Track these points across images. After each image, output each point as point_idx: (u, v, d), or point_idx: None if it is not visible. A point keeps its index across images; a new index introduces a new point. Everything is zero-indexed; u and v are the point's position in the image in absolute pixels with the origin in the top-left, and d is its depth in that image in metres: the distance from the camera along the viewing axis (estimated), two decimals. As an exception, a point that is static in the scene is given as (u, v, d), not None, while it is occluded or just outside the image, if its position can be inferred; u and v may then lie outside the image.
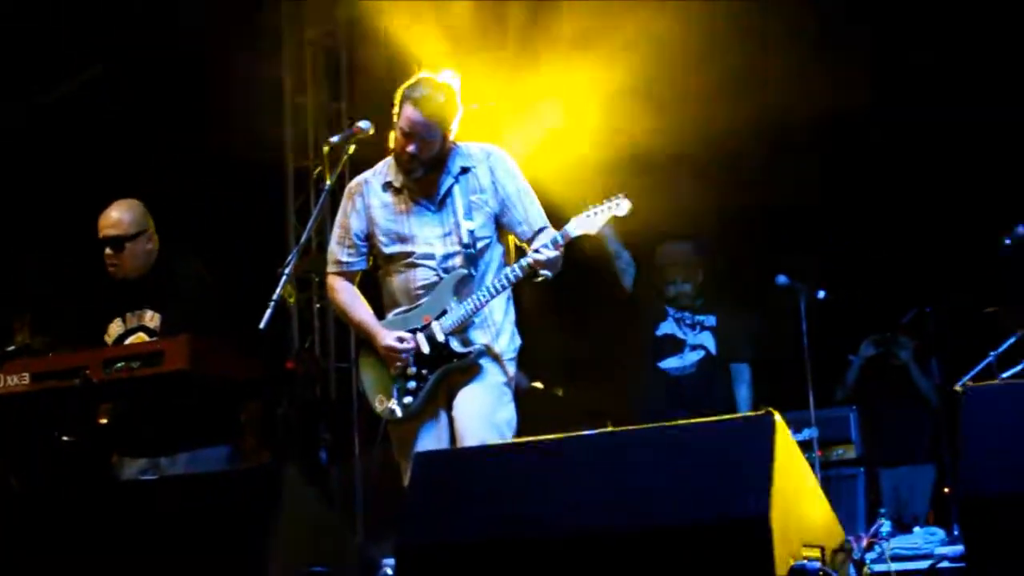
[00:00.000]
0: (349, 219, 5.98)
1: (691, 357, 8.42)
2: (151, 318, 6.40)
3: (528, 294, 6.11)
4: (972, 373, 8.70)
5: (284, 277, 5.38)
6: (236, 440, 6.47)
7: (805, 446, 8.48)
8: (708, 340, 8.45)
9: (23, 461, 6.11)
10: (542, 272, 5.60)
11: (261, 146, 11.51)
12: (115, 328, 6.45)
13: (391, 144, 5.83)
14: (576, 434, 4.28)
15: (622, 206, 5.67)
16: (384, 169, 5.96)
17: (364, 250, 5.99)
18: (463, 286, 5.75)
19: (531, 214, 5.89)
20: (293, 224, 11.41)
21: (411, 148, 5.71)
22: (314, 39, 11.72)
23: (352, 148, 5.82)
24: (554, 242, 5.60)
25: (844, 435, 9.44)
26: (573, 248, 5.75)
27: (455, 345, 5.72)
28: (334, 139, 5.86)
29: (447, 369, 5.74)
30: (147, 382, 5.85)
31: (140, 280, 6.43)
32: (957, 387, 8.74)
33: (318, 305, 11.30)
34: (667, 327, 8.48)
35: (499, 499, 4.15)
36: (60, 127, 11.10)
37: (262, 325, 5.23)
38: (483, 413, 5.70)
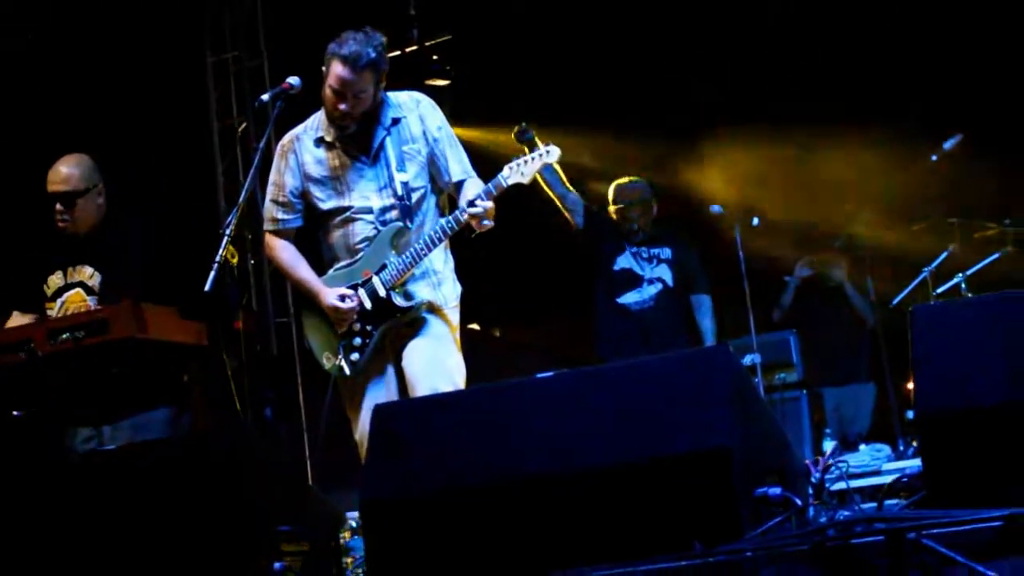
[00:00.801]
0: (283, 176, 5.93)
1: (649, 291, 8.42)
2: (91, 275, 6.35)
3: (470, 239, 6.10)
4: (907, 290, 8.83)
5: (225, 238, 5.32)
6: (178, 401, 6.41)
7: (748, 371, 8.59)
8: (665, 273, 8.46)
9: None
10: (476, 224, 5.59)
11: (184, 105, 11.46)
12: (55, 280, 6.40)
13: (324, 101, 5.78)
14: (533, 377, 4.29)
15: (552, 153, 5.66)
16: (315, 124, 5.90)
17: (299, 207, 5.94)
18: (400, 238, 5.72)
19: (458, 163, 5.87)
20: (222, 183, 11.35)
21: (343, 106, 5.66)
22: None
23: (279, 105, 5.73)
24: (487, 192, 5.58)
25: (785, 358, 9.56)
26: (520, 191, 5.74)
27: (397, 300, 5.71)
28: (264, 97, 5.77)
29: (391, 324, 5.74)
30: (93, 351, 5.81)
31: (85, 236, 6.37)
32: (893, 304, 8.94)
33: (252, 261, 11.27)
34: (624, 261, 8.48)
35: (460, 447, 4.17)
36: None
37: (207, 287, 5.18)
38: (432, 361, 5.71)
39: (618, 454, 3.93)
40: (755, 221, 8.83)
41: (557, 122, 8.35)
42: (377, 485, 4.20)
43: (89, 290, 6.33)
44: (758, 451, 4.00)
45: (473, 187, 5.76)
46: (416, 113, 5.86)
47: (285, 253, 5.98)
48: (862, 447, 8.15)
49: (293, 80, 5.71)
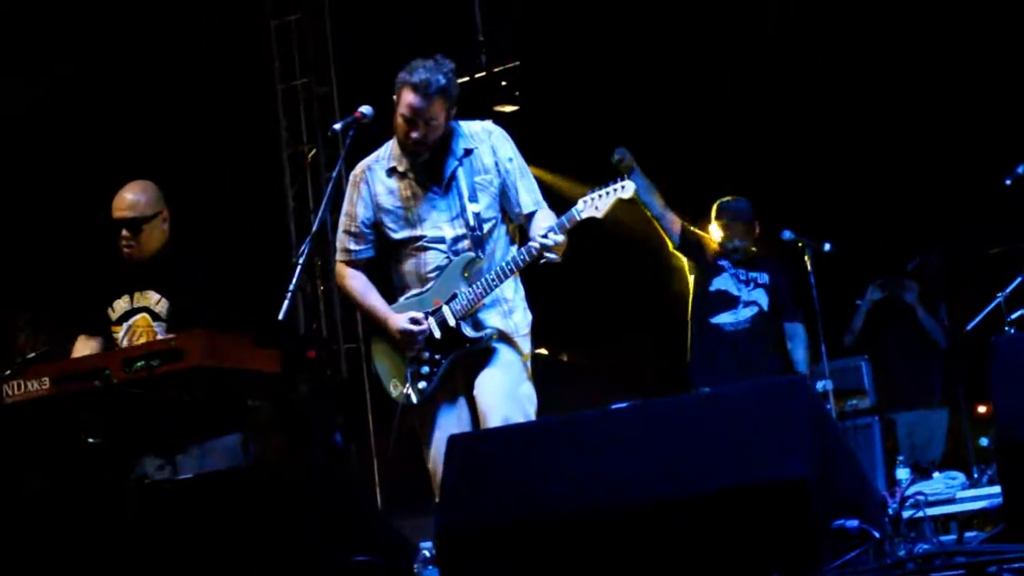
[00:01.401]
0: (355, 207, 5.92)
1: (745, 313, 8.33)
2: (157, 302, 6.37)
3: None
4: (981, 316, 8.74)
5: (299, 267, 5.34)
6: (246, 427, 6.44)
7: (822, 399, 8.53)
8: (761, 297, 8.37)
9: (47, 466, 6.08)
10: (547, 256, 5.57)
11: (255, 132, 11.55)
12: (121, 304, 6.42)
13: (395, 130, 5.78)
14: (609, 408, 4.28)
15: (627, 188, 5.58)
16: (387, 154, 5.88)
17: (372, 238, 5.92)
18: (471, 268, 5.70)
19: (529, 194, 5.84)
20: (292, 209, 11.43)
21: (415, 134, 5.64)
22: (300, 23, 11.70)
23: (351, 134, 5.73)
24: (560, 226, 5.55)
25: (858, 385, 9.50)
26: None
27: (467, 330, 5.69)
28: (336, 126, 5.76)
29: (460, 354, 5.72)
30: (167, 380, 5.84)
31: (150, 261, 6.40)
32: (968, 329, 8.85)
33: (322, 288, 11.33)
34: (721, 282, 8.39)
35: (536, 478, 4.16)
36: (50, 122, 11.08)
37: (280, 316, 5.20)
38: (504, 391, 5.68)
39: (695, 485, 3.91)
40: (827, 246, 8.75)
41: (624, 143, 8.33)
42: (453, 515, 4.20)
43: (155, 315, 6.36)
44: (836, 482, 3.97)
45: (544, 219, 5.74)
46: (488, 144, 5.83)
47: (355, 282, 5.97)
48: (936, 474, 8.06)
49: (365, 109, 5.69)
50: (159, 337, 6.28)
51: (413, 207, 5.80)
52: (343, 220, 5.99)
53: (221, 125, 11.44)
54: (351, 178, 5.99)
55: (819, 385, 8.59)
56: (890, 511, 4.51)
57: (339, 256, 6.03)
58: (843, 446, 4.29)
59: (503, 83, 10.86)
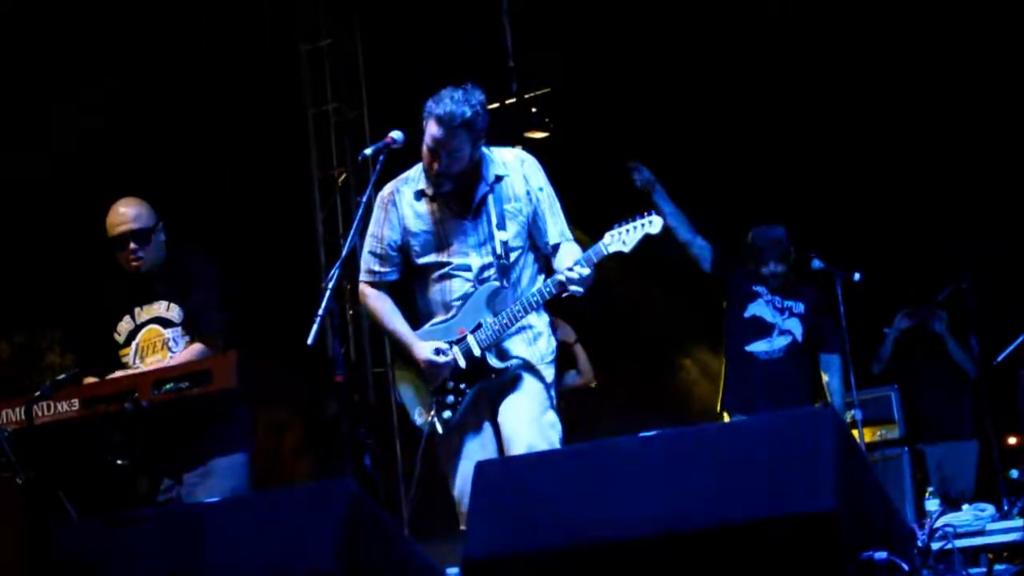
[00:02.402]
0: (383, 228, 5.93)
1: (780, 341, 8.22)
2: (167, 308, 6.40)
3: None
4: (1012, 347, 8.70)
5: (328, 291, 5.34)
6: (252, 446, 6.47)
7: (851, 429, 8.49)
8: (796, 327, 8.27)
9: (77, 487, 6.11)
10: (572, 289, 5.58)
11: (285, 156, 11.58)
12: (124, 326, 6.46)
13: (423, 157, 5.78)
14: (637, 435, 4.27)
15: (655, 224, 5.61)
16: (417, 176, 5.88)
17: (397, 260, 5.94)
18: (496, 298, 5.71)
19: (556, 226, 5.86)
20: (321, 234, 11.45)
21: (438, 166, 5.66)
22: (331, 47, 11.74)
23: (382, 159, 5.72)
24: (587, 260, 5.57)
25: (887, 415, 9.46)
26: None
27: (492, 360, 5.70)
28: (367, 151, 5.77)
29: (484, 384, 5.74)
30: (196, 402, 5.87)
31: (152, 274, 6.42)
32: (998, 360, 8.81)
33: (351, 311, 11.34)
34: (755, 309, 8.30)
35: (563, 506, 4.14)
36: (80, 139, 11.15)
37: (309, 340, 5.20)
38: (529, 418, 5.68)
39: (721, 516, 3.88)
40: (857, 276, 8.71)
41: (656, 171, 8.33)
42: (480, 543, 4.19)
43: (167, 322, 6.38)
44: (864, 514, 3.95)
45: (569, 252, 5.75)
46: (520, 172, 5.84)
47: (381, 304, 5.98)
48: (965, 507, 8.00)
49: (396, 135, 5.69)
50: (171, 345, 6.31)
51: (441, 232, 5.81)
52: (369, 240, 6.00)
53: (251, 149, 11.49)
54: (379, 199, 5.98)
55: (848, 415, 8.56)
56: (919, 543, 4.49)
57: (363, 277, 6.04)
58: (871, 477, 4.26)
59: (533, 109, 10.88)
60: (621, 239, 5.60)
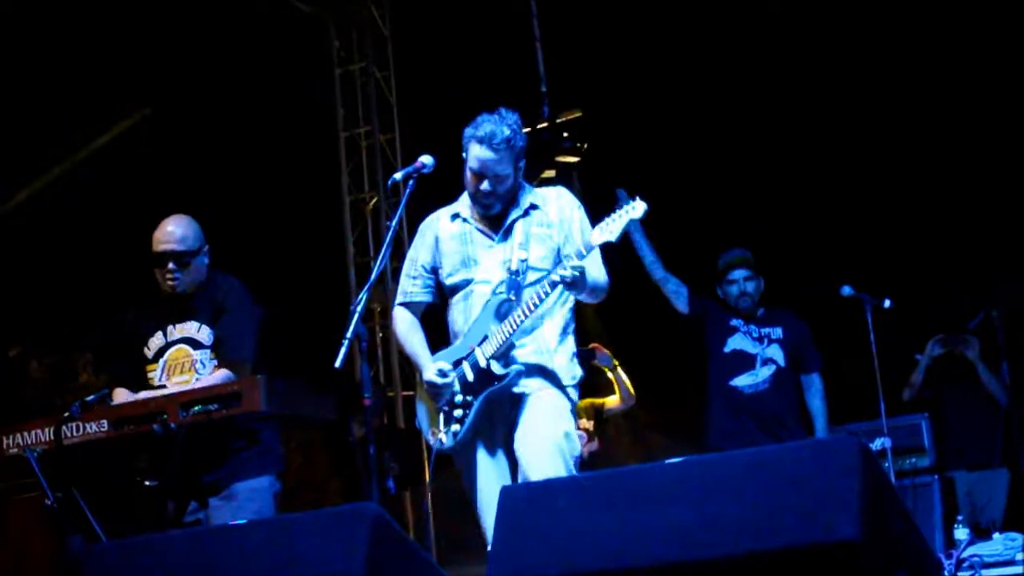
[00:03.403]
0: (419, 251, 6.04)
1: (764, 372, 8.20)
2: (198, 329, 6.40)
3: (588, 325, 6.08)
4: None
5: (356, 315, 5.34)
6: (279, 469, 6.49)
7: (878, 456, 8.45)
8: (777, 353, 8.24)
9: (105, 508, 6.13)
10: (568, 289, 5.63)
11: (317, 179, 11.63)
12: (155, 342, 6.46)
13: (467, 185, 5.83)
14: (661, 462, 4.27)
15: (637, 208, 5.57)
16: (457, 204, 6.00)
17: (430, 283, 6.02)
18: (502, 310, 5.73)
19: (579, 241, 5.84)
20: (352, 256, 11.49)
21: (485, 186, 5.73)
22: (364, 71, 11.80)
23: (412, 184, 5.74)
24: (577, 254, 5.56)
25: (917, 443, 9.42)
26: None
27: (495, 367, 5.70)
28: (397, 175, 5.80)
29: (490, 394, 5.72)
30: (225, 424, 5.88)
31: (187, 295, 6.43)
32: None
33: (381, 335, 11.37)
34: (735, 343, 8.28)
35: (586, 532, 4.14)
36: (116, 162, 11.23)
37: (337, 364, 5.21)
38: (546, 448, 5.64)
39: (744, 544, 3.88)
40: (887, 303, 8.69)
41: (686, 198, 8.34)
42: (505, 567, 4.19)
43: (197, 344, 6.39)
44: (889, 542, 3.93)
45: (588, 263, 5.74)
46: (556, 204, 5.90)
47: (404, 325, 6.06)
48: (995, 535, 7.95)
49: (426, 159, 5.71)
50: (198, 367, 6.33)
51: (470, 252, 5.88)
52: (406, 264, 6.12)
53: (284, 172, 11.55)
54: (420, 227, 6.09)
55: (877, 442, 8.52)
56: (946, 573, 4.47)
57: (397, 299, 6.14)
58: (898, 505, 4.25)
59: (565, 134, 10.90)
60: (608, 229, 5.58)
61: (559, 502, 4.31)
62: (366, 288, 5.48)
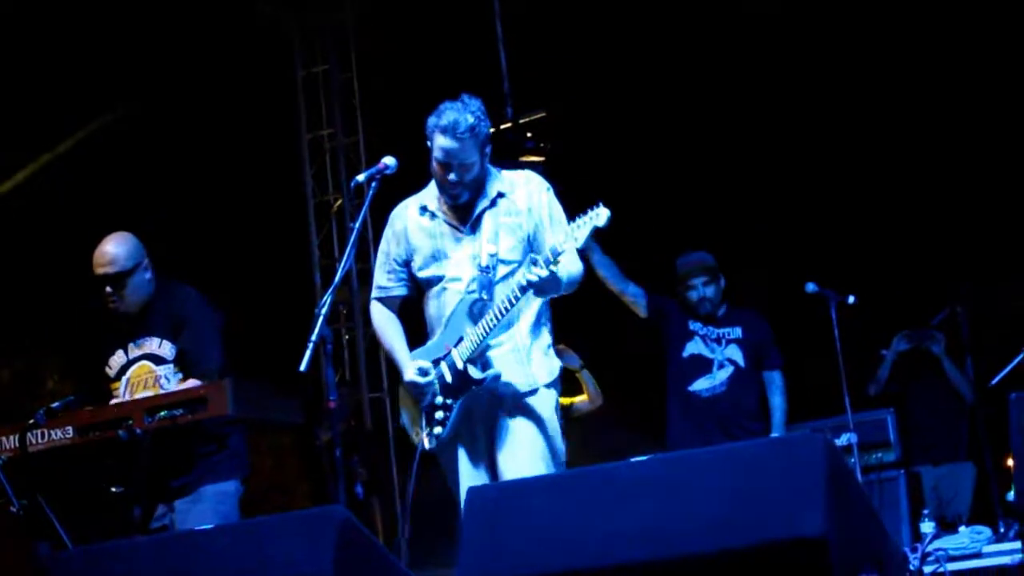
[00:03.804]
0: (390, 244, 5.98)
1: (720, 375, 8.19)
2: (159, 344, 6.37)
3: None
4: (1007, 370, 8.68)
5: (321, 317, 5.32)
6: (244, 473, 6.47)
7: (844, 451, 8.48)
8: (736, 353, 8.23)
9: (72, 514, 6.11)
10: (537, 294, 5.62)
11: (281, 181, 11.61)
12: (117, 360, 6.44)
13: (434, 176, 5.79)
14: (627, 461, 4.27)
15: (601, 215, 5.48)
16: (425, 194, 5.93)
17: (404, 275, 5.96)
18: (474, 309, 5.69)
19: (553, 239, 5.71)
20: (317, 258, 11.47)
21: (452, 176, 5.67)
22: (327, 73, 11.78)
23: (375, 185, 5.71)
24: (544, 261, 5.48)
25: (883, 438, 9.45)
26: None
27: (473, 372, 5.66)
28: (360, 177, 5.76)
29: (469, 396, 5.70)
30: (190, 429, 5.87)
31: (141, 311, 6.39)
32: (993, 383, 8.80)
33: (347, 336, 11.35)
34: (693, 347, 8.27)
35: (553, 531, 4.15)
36: (81, 166, 11.19)
37: (302, 367, 5.19)
38: (529, 462, 5.66)
39: (711, 541, 3.89)
40: (851, 299, 8.71)
41: (651, 197, 8.34)
42: (473, 568, 4.19)
43: (159, 359, 6.37)
44: (855, 538, 3.95)
45: (565, 259, 5.70)
46: (525, 190, 5.84)
47: (384, 323, 6.02)
48: (961, 529, 7.99)
49: (389, 160, 5.68)
50: (163, 382, 6.31)
51: (440, 246, 5.83)
52: (379, 257, 6.06)
53: (248, 175, 11.52)
54: (390, 217, 6.03)
55: (843, 438, 8.54)
56: (911, 567, 4.50)
57: (373, 293, 6.07)
58: (863, 501, 4.27)
59: (528, 134, 10.89)
60: (572, 235, 5.52)
61: (526, 502, 4.32)
62: (330, 290, 5.45)
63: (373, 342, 11.48)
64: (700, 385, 8.22)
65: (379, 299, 6.04)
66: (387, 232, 6.03)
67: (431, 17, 10.93)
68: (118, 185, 11.02)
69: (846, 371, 8.62)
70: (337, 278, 5.53)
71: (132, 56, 10.73)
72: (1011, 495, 8.73)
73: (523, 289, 5.53)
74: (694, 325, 8.31)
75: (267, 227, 11.77)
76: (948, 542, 7.02)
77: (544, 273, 5.46)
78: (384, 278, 6.01)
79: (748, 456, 4.12)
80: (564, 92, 11.07)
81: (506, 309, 5.58)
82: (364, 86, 11.70)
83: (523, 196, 5.83)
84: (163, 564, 4.62)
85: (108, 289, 6.31)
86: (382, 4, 11.35)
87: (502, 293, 5.67)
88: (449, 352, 5.72)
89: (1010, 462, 9.92)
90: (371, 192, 5.68)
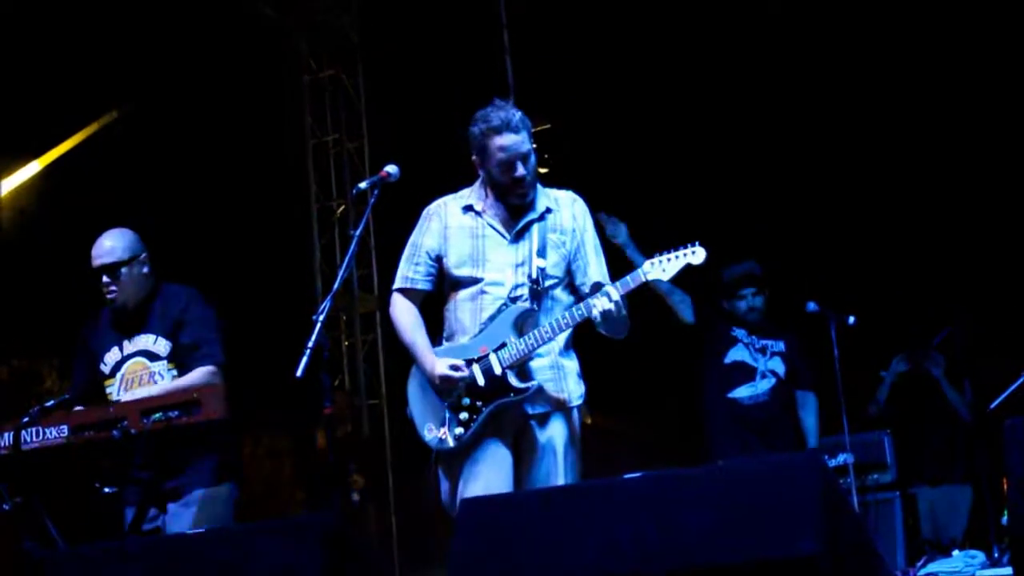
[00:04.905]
0: (423, 237, 5.83)
1: (763, 385, 8.13)
2: (154, 341, 6.37)
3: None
4: (1006, 394, 8.68)
5: (319, 324, 5.30)
6: (238, 476, 6.45)
7: (840, 471, 8.47)
8: (778, 366, 8.19)
9: (65, 514, 6.10)
10: (601, 320, 5.46)
11: (285, 186, 11.61)
12: (112, 356, 6.44)
13: (495, 182, 5.68)
14: (621, 476, 4.26)
15: (698, 254, 5.48)
16: (467, 193, 5.83)
17: (433, 270, 5.81)
18: (524, 320, 5.59)
19: (598, 267, 5.77)
20: (319, 263, 11.46)
21: (520, 171, 5.59)
22: (333, 79, 11.79)
23: (376, 193, 5.68)
24: (623, 284, 5.45)
25: (879, 459, 9.44)
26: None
27: (513, 379, 5.57)
28: (362, 185, 5.72)
29: (502, 403, 5.59)
30: (185, 431, 5.85)
31: (138, 306, 6.40)
32: (992, 406, 8.79)
33: (346, 343, 11.34)
34: (736, 354, 8.20)
35: (546, 545, 4.13)
36: (83, 167, 11.19)
37: (299, 373, 5.17)
38: (556, 463, 5.61)
39: (704, 559, 3.88)
40: (851, 319, 8.69)
41: (653, 210, 8.31)
42: (462, 579, 4.19)
43: (153, 356, 6.36)
44: (847, 560, 3.93)
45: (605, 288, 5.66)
46: (571, 209, 5.79)
47: (406, 315, 5.84)
48: (955, 552, 7.99)
49: (391, 168, 5.64)
50: (156, 378, 6.30)
51: (480, 247, 5.71)
52: (407, 249, 5.88)
53: (252, 179, 11.52)
54: (425, 212, 5.89)
55: (840, 458, 8.52)
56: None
57: (396, 284, 5.90)
58: (856, 523, 4.26)
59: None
60: (661, 267, 5.49)
61: (520, 516, 4.30)
62: (329, 297, 5.42)
63: (372, 349, 11.52)
64: (742, 392, 8.15)
65: (402, 290, 5.88)
66: (423, 224, 5.87)
67: (437, 25, 10.92)
68: (121, 186, 11.01)
69: (845, 391, 8.60)
70: (336, 284, 5.50)
71: (138, 59, 10.73)
72: (1005, 519, 8.73)
73: (590, 307, 5.44)
74: (738, 332, 8.26)
75: (270, 231, 11.76)
76: (942, 566, 7.01)
77: (616, 297, 5.40)
78: (411, 269, 5.84)
79: (743, 474, 4.10)
80: (568, 103, 11.07)
81: (565, 325, 5.52)
82: (370, 92, 11.69)
83: (568, 216, 5.78)
84: (153, 566, 4.61)
85: (105, 279, 6.33)
86: (389, 11, 11.35)
87: (555, 310, 5.64)
88: (486, 356, 5.63)
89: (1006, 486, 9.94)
90: (372, 200, 5.65)
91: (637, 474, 4.25)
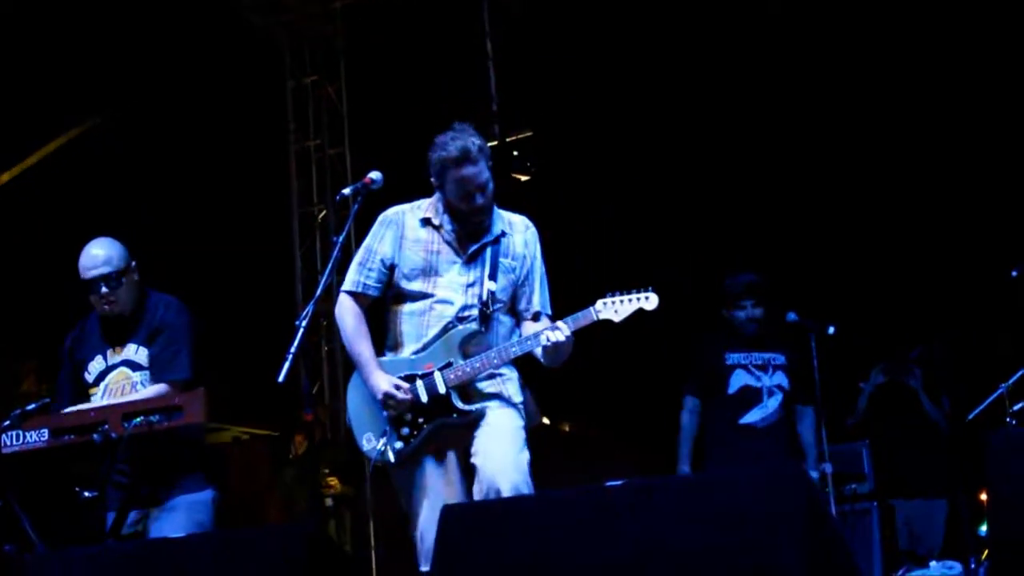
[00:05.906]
0: (379, 243, 5.82)
1: (772, 404, 8.03)
2: (137, 352, 6.33)
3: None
4: (983, 406, 8.73)
5: (301, 330, 5.30)
6: (221, 482, 6.43)
7: (819, 481, 8.48)
8: (782, 379, 8.09)
9: (44, 518, 6.08)
10: (548, 353, 5.55)
11: (266, 191, 11.61)
12: (96, 366, 6.39)
13: (454, 209, 5.71)
14: (603, 484, 4.27)
15: (651, 300, 5.55)
16: (425, 206, 5.83)
17: (383, 277, 5.80)
18: (471, 341, 5.64)
19: (542, 296, 5.84)
20: (299, 269, 11.46)
21: (479, 200, 5.65)
22: (316, 84, 11.79)
23: (360, 199, 5.68)
24: (574, 320, 5.52)
25: (857, 469, 9.47)
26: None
27: (456, 401, 5.61)
28: (345, 191, 5.75)
29: (443, 423, 5.62)
30: (166, 436, 5.84)
31: (131, 315, 6.35)
32: (970, 418, 8.84)
33: (326, 349, 11.33)
34: (739, 379, 8.09)
35: (527, 554, 4.14)
36: (65, 171, 11.17)
37: (280, 378, 5.17)
38: (511, 459, 5.56)
39: (685, 567, 3.89)
40: (831, 330, 8.70)
41: (635, 217, 8.33)
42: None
43: (136, 366, 6.34)
44: (828, 571, 3.95)
45: (547, 321, 5.72)
46: (523, 236, 5.84)
47: (352, 320, 5.82)
48: (932, 563, 8.01)
49: (375, 175, 5.65)
50: (138, 388, 6.28)
51: (433, 263, 5.73)
52: (361, 253, 5.87)
53: (234, 184, 11.51)
54: (381, 217, 5.88)
55: (818, 468, 8.54)
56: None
57: (347, 286, 5.87)
58: (837, 535, 4.27)
59: (515, 152, 10.89)
60: (613, 308, 5.54)
61: (500, 523, 4.31)
62: (311, 303, 5.42)
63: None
64: (754, 416, 8.03)
65: (352, 293, 5.86)
66: (379, 230, 5.86)
67: (420, 32, 10.93)
68: (102, 191, 11.00)
69: (824, 401, 8.61)
70: (318, 291, 5.50)
71: (122, 65, 10.72)
72: (983, 529, 8.77)
73: (541, 341, 5.50)
74: (733, 357, 8.15)
75: (251, 237, 11.75)
76: (919, 577, 7.03)
77: (566, 332, 5.48)
78: (364, 274, 5.83)
79: (725, 485, 4.12)
80: (551, 111, 11.09)
81: (511, 357, 5.60)
82: (352, 98, 11.70)
83: (520, 242, 5.83)
84: (132, 571, 4.61)
85: (104, 290, 6.24)
86: (372, 19, 11.36)
87: (500, 333, 5.70)
88: (431, 374, 5.65)
89: (984, 497, 9.98)
90: (356, 206, 5.66)
91: (619, 482, 4.26)
